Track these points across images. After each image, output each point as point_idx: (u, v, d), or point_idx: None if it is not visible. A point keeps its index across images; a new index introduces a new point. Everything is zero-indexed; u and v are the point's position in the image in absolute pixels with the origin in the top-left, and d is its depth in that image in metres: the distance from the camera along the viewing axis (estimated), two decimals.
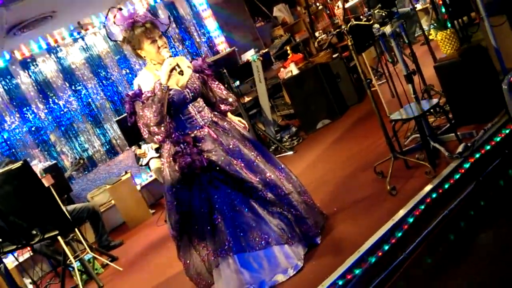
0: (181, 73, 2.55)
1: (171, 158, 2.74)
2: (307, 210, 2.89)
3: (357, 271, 2.48)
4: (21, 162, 1.60)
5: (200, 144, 2.75)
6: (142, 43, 2.69)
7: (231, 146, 2.78)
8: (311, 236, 2.87)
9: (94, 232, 5.14)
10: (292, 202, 2.82)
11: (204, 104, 2.89)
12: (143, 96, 2.61)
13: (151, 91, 2.59)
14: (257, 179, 2.75)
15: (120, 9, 2.73)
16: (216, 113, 2.93)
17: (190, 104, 2.79)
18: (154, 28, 2.69)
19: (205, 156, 2.71)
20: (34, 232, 1.68)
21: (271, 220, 2.74)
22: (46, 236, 1.69)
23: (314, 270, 2.67)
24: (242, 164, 2.75)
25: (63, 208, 4.34)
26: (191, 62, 2.93)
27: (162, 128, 2.58)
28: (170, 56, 2.62)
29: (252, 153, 2.83)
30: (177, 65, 2.56)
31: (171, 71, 2.56)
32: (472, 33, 4.16)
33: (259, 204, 2.75)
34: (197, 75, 2.86)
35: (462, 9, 4.38)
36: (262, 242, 2.67)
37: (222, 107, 2.96)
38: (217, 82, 2.99)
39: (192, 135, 2.78)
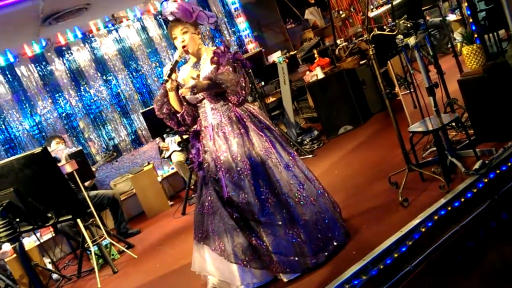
0: (166, 80, 2.74)
1: None
2: (279, 247, 2.69)
3: (361, 279, 2.50)
4: (41, 148, 1.71)
5: (201, 139, 2.90)
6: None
7: (219, 154, 2.78)
8: (271, 270, 2.71)
9: (113, 219, 5.31)
10: (258, 232, 2.71)
11: (226, 102, 2.83)
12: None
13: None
14: (231, 195, 2.72)
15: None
16: (233, 113, 2.85)
17: (207, 100, 2.86)
18: (176, 24, 2.80)
19: (201, 154, 2.87)
20: (49, 215, 1.79)
21: (232, 235, 2.72)
22: (60, 219, 1.80)
23: (318, 274, 2.70)
24: (224, 176, 2.75)
25: (85, 193, 4.52)
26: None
27: (161, 116, 2.94)
28: (180, 56, 2.78)
29: (238, 169, 2.73)
30: (171, 67, 2.72)
31: (170, 70, 2.73)
32: (505, 48, 4.08)
33: (227, 215, 2.75)
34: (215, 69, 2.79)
35: (497, 23, 4.30)
36: (218, 250, 2.72)
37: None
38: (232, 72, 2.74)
39: (201, 128, 2.92)
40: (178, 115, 2.93)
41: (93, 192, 5.13)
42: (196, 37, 2.85)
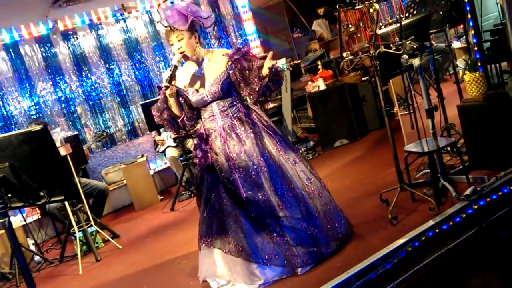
0: (167, 86, 2.76)
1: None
2: (300, 239, 2.78)
3: None
4: (41, 126, 1.72)
5: (210, 142, 2.89)
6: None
7: (235, 155, 2.80)
8: (293, 264, 2.77)
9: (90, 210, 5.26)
10: (278, 227, 2.77)
11: (234, 103, 2.88)
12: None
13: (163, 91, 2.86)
14: (248, 194, 2.76)
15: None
16: (242, 114, 2.89)
17: (215, 103, 2.88)
18: (171, 31, 2.76)
19: (210, 156, 2.86)
20: (41, 193, 1.79)
21: (250, 235, 2.75)
22: (52, 199, 1.80)
23: (300, 286, 2.72)
24: (240, 176, 2.78)
25: (77, 178, 4.51)
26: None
27: (162, 122, 2.94)
28: (178, 61, 2.78)
29: (255, 167, 2.77)
30: (171, 74, 2.73)
31: (170, 76, 2.74)
32: (506, 80, 4.15)
33: (243, 215, 2.78)
34: (228, 73, 2.81)
35: (501, 55, 4.36)
36: (235, 250, 2.75)
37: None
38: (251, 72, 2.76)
39: (208, 131, 2.91)
40: (179, 120, 2.95)
41: (86, 180, 5.10)
42: (193, 42, 2.81)
